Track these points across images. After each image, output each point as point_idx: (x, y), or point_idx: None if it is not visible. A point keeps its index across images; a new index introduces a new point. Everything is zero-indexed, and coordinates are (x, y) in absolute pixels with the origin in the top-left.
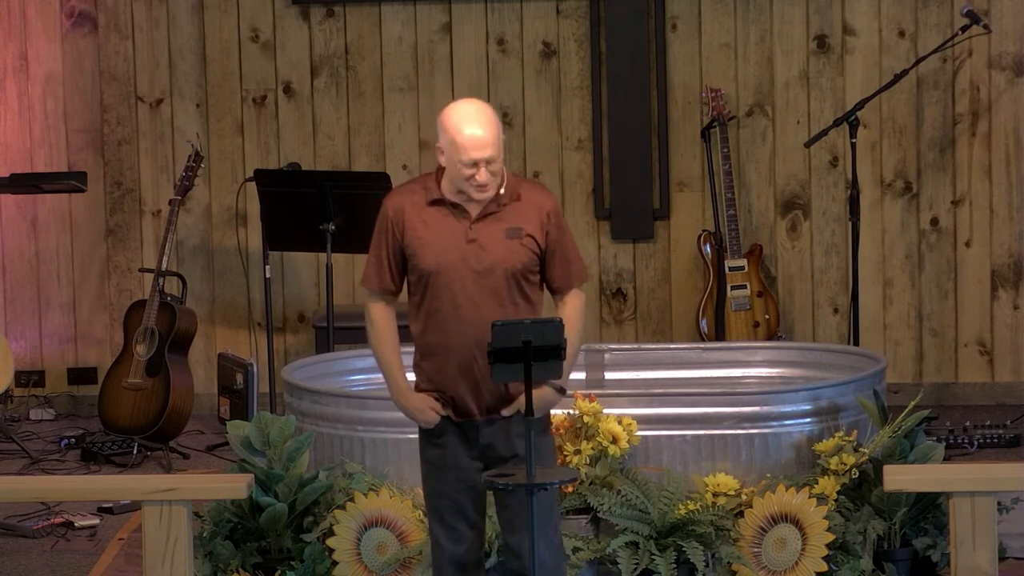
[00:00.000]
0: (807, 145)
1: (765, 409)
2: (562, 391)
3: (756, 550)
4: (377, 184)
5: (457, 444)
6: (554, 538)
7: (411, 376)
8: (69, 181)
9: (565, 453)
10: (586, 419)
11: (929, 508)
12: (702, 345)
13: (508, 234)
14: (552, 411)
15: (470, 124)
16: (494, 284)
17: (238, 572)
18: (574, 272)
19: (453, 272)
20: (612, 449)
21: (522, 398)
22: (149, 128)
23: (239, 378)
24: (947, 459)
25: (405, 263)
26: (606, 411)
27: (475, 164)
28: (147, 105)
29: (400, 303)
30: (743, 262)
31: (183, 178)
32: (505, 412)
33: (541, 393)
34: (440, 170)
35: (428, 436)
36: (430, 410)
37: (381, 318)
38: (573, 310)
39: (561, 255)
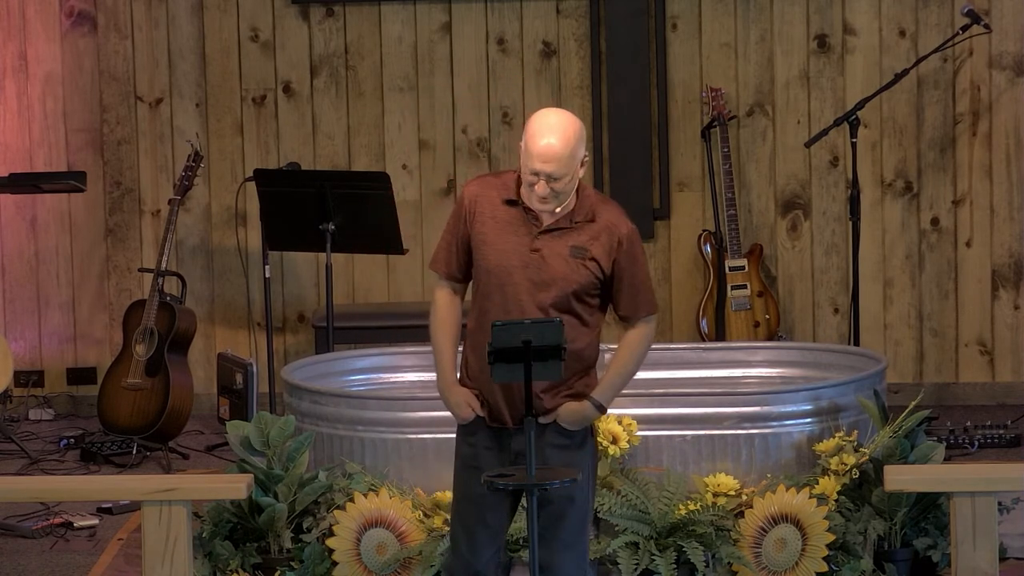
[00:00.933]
0: (807, 145)
1: (765, 409)
2: (602, 409)
3: (756, 550)
4: (377, 184)
5: (488, 447)
6: (582, 557)
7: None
8: (68, 181)
9: None
10: None
11: (930, 508)
12: (702, 345)
13: (572, 252)
14: None
15: (546, 134)
16: (547, 298)
17: (238, 572)
18: (641, 303)
19: (509, 277)
20: (612, 449)
21: (560, 410)
22: (149, 128)
23: (239, 378)
24: (948, 459)
25: (471, 254)
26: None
27: (536, 175)
28: (147, 105)
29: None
30: (743, 262)
31: (183, 178)
32: (542, 420)
33: (579, 407)
34: None
35: (463, 433)
36: (467, 407)
37: (443, 305)
38: (636, 335)
39: (630, 283)
